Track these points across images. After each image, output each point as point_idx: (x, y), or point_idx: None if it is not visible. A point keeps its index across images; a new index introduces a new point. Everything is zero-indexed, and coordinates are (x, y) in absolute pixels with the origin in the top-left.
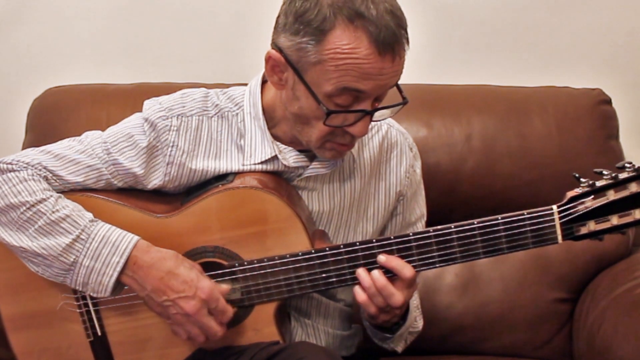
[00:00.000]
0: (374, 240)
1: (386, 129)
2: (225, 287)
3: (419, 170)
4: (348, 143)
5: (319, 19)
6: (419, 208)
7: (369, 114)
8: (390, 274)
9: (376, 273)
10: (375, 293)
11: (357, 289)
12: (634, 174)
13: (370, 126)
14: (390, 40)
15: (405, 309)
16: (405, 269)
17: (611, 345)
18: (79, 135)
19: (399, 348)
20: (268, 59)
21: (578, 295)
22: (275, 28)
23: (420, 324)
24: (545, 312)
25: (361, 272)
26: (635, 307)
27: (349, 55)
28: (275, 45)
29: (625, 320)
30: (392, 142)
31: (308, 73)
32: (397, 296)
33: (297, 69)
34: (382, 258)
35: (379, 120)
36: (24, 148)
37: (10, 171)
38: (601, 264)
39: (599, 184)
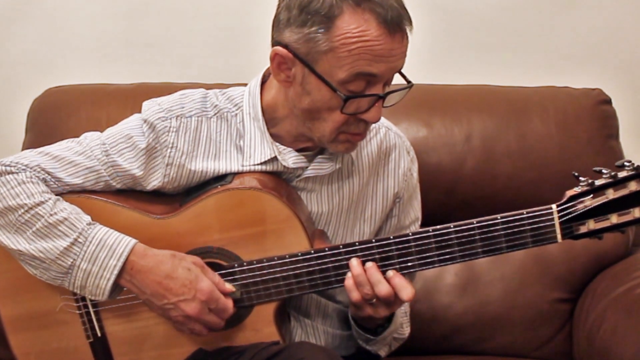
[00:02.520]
0: (374, 240)
1: (384, 131)
2: (228, 286)
3: (415, 174)
4: (362, 132)
5: (325, 6)
6: (414, 212)
7: (382, 98)
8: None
9: (369, 263)
10: (363, 282)
11: (347, 275)
12: (633, 172)
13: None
14: (398, 19)
15: (391, 312)
16: (403, 291)
17: (611, 345)
18: (79, 135)
19: (382, 352)
20: (274, 57)
21: (578, 295)
22: (275, 26)
23: (406, 331)
24: (545, 312)
25: (353, 261)
26: (635, 307)
27: (360, 39)
28: (278, 42)
29: (625, 320)
30: (391, 145)
31: (319, 63)
32: (383, 285)
33: (306, 61)
34: (390, 273)
35: (390, 106)
36: (24, 148)
37: (8, 173)
38: (601, 264)
39: (598, 182)
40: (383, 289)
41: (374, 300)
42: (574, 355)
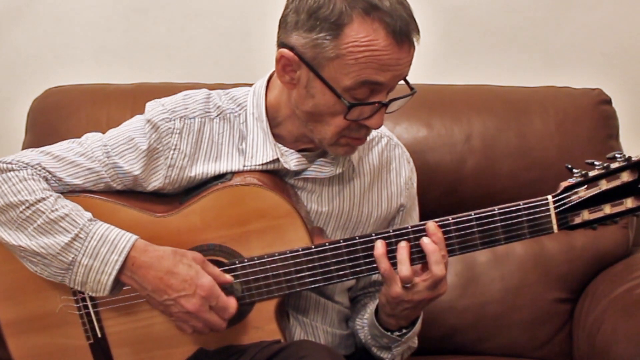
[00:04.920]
0: (374, 235)
1: (386, 141)
2: (228, 277)
3: (415, 184)
4: (362, 137)
5: (335, 13)
6: (412, 223)
7: (385, 105)
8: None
9: (425, 239)
10: (403, 259)
11: (377, 243)
12: (624, 163)
13: (369, 137)
14: (406, 29)
15: (419, 312)
16: (437, 266)
17: (611, 345)
18: (79, 135)
19: (398, 358)
20: (280, 58)
21: (578, 295)
22: (283, 27)
23: (416, 342)
24: (545, 312)
25: (402, 243)
26: (635, 307)
27: (368, 48)
28: (284, 44)
29: (625, 320)
30: (391, 155)
31: (325, 69)
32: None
33: (312, 65)
34: (425, 239)
35: (392, 112)
36: (23, 148)
37: (9, 170)
38: (601, 264)
39: (591, 174)
40: (441, 270)
41: (409, 284)
42: (574, 355)
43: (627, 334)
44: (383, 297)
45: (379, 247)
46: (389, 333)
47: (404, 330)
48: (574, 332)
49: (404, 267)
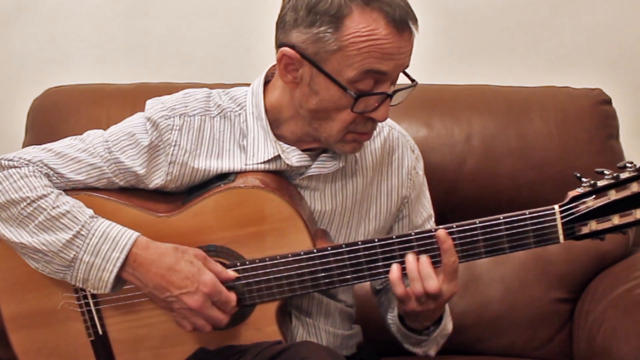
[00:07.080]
0: (376, 240)
1: (388, 130)
2: (232, 273)
3: (421, 172)
4: (369, 131)
5: (334, 6)
6: (425, 210)
7: (390, 97)
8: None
9: (423, 256)
10: (415, 278)
11: (392, 267)
12: (635, 173)
13: None
14: (405, 17)
15: (439, 313)
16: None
17: (611, 345)
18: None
19: (432, 352)
20: (281, 57)
21: (578, 295)
22: (281, 28)
23: (450, 326)
24: (545, 312)
25: (409, 256)
26: (635, 307)
27: (369, 37)
28: (284, 44)
29: (625, 320)
30: (394, 145)
31: (328, 62)
32: (434, 281)
33: (315, 61)
34: (441, 232)
35: (396, 105)
36: (23, 148)
37: (11, 167)
38: (601, 264)
39: (600, 183)
40: (433, 285)
41: (423, 298)
42: (574, 355)
43: (627, 334)
44: (401, 311)
45: (395, 271)
46: (415, 335)
47: (431, 328)
48: (574, 332)
49: (417, 285)
